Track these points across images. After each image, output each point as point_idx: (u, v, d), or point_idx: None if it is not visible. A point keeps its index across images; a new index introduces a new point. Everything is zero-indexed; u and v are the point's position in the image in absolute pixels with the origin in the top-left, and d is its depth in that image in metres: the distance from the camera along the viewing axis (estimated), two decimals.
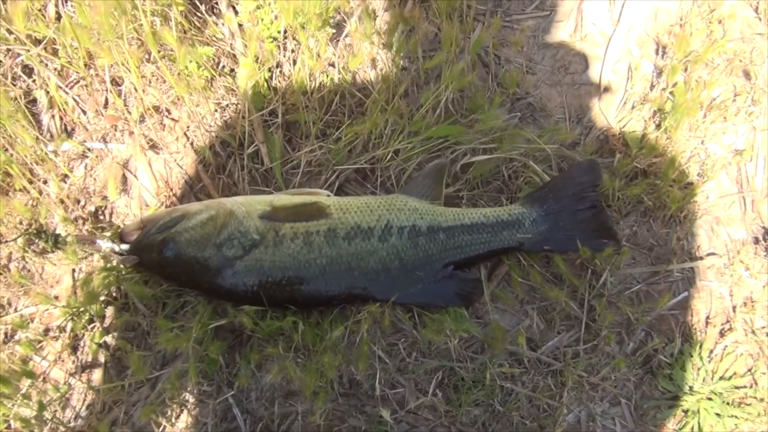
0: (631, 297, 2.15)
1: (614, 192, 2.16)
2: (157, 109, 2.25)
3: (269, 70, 2.22)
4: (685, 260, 2.18)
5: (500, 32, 2.36)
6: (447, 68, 2.13)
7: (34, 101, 2.27)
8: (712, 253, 2.20)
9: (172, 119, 2.26)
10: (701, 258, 2.19)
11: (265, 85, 2.21)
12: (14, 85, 2.25)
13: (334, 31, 2.22)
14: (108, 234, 2.11)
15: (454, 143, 2.19)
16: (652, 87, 2.31)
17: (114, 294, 2.09)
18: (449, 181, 2.17)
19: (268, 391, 2.05)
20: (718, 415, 2.04)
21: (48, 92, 2.25)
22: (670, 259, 2.18)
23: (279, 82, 2.23)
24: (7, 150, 2.13)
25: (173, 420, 2.03)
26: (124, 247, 2.02)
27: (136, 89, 2.20)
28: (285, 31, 2.22)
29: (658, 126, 2.23)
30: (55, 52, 2.24)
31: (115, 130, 2.26)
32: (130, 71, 2.13)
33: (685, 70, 2.27)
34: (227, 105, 2.23)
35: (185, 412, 2.03)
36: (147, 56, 2.22)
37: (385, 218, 2.01)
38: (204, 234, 1.96)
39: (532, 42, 2.38)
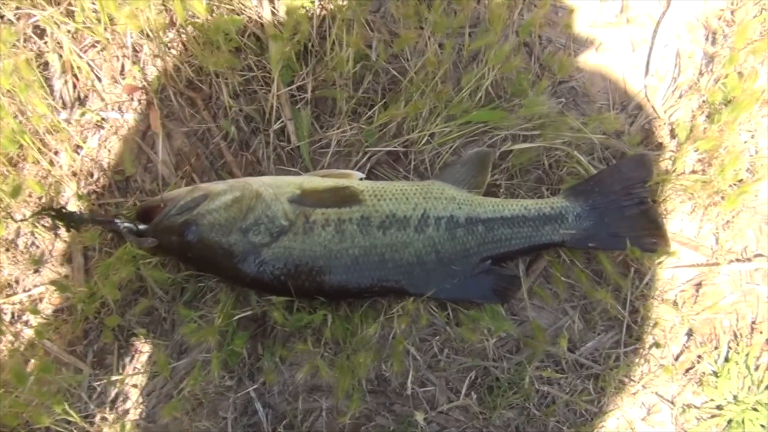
0: (675, 298, 2.05)
1: (660, 186, 2.05)
2: (178, 79, 2.11)
3: (299, 42, 2.08)
4: (731, 261, 2.08)
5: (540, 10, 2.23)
6: (491, 50, 2.00)
7: (46, 65, 2.13)
8: (760, 255, 2.10)
9: (194, 90, 2.12)
10: (748, 260, 2.09)
11: (295, 58, 2.08)
12: (25, 47, 2.11)
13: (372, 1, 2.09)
14: (125, 212, 1.98)
15: (493, 128, 2.07)
16: (701, 74, 2.19)
17: (129, 277, 1.97)
18: None
19: (291, 385, 1.94)
20: (763, 426, 1.96)
21: (61, 56, 2.11)
22: (716, 260, 2.08)
23: (310, 56, 2.10)
24: (16, 117, 2.00)
25: (190, 412, 1.92)
26: (143, 227, 1.89)
27: (158, 56, 2.07)
28: (320, 2, 2.09)
29: (708, 117, 2.11)
30: (70, 14, 2.09)
31: (132, 100, 2.12)
32: (151, 38, 2.00)
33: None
34: (253, 77, 2.10)
35: (203, 404, 1.93)
36: (169, 21, 2.08)
37: (421, 207, 1.89)
38: (228, 217, 1.84)
39: (576, 22, 2.25)
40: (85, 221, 1.89)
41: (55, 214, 1.88)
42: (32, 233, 2.02)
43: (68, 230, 1.93)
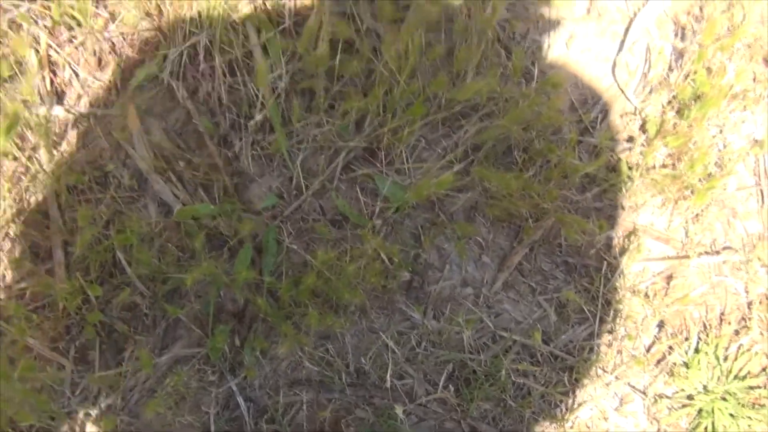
0: (646, 291, 2.09)
1: (632, 180, 2.10)
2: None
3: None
4: (701, 254, 2.13)
5: (514, 6, 2.25)
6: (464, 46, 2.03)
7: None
8: (728, 247, 2.15)
9: (172, 82, 2.12)
10: (717, 252, 2.14)
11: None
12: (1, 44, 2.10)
13: None
14: None
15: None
16: (671, 70, 2.22)
17: (111, 271, 1.98)
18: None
19: (273, 378, 1.97)
20: (732, 416, 2.02)
21: (38, 51, 2.11)
22: (686, 253, 2.13)
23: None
24: None
25: (173, 407, 1.94)
26: None
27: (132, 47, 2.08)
28: None
29: (678, 112, 2.15)
30: (47, 9, 2.08)
31: (110, 94, 2.12)
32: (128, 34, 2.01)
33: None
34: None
35: (186, 399, 1.95)
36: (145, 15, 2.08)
37: None
38: None
39: (546, 17, 2.27)
40: None
41: None
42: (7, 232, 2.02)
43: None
